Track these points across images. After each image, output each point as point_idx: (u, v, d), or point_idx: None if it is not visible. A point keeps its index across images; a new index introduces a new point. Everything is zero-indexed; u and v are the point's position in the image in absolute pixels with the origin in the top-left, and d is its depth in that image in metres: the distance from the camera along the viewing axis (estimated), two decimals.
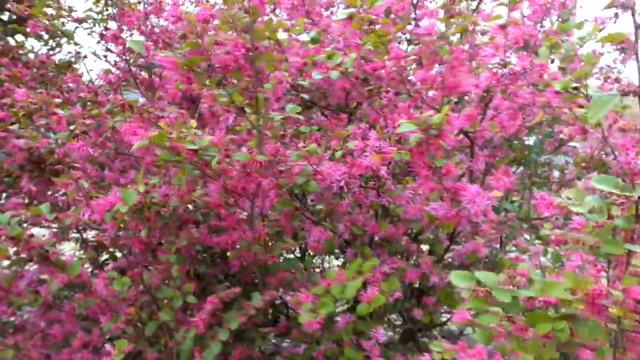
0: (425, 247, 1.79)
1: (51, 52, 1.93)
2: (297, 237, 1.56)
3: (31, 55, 1.81)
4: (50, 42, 1.88)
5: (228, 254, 1.52)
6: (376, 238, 1.67)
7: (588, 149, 2.05)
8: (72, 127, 1.21)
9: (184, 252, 1.27)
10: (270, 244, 1.40)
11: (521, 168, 2.24)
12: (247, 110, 1.16)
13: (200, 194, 1.13)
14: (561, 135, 2.07)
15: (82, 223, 1.23)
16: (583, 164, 2.11)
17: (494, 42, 1.30)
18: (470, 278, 0.83)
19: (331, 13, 1.80)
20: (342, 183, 1.40)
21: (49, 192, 2.18)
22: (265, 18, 1.10)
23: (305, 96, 1.56)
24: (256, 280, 2.00)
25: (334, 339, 1.56)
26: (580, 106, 1.45)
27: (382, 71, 1.26)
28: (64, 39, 1.93)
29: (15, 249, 1.21)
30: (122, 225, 1.21)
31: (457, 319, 0.98)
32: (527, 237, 1.99)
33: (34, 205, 2.20)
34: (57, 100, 1.18)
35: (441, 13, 1.40)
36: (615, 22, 2.21)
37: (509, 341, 0.86)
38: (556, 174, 2.32)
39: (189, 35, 1.00)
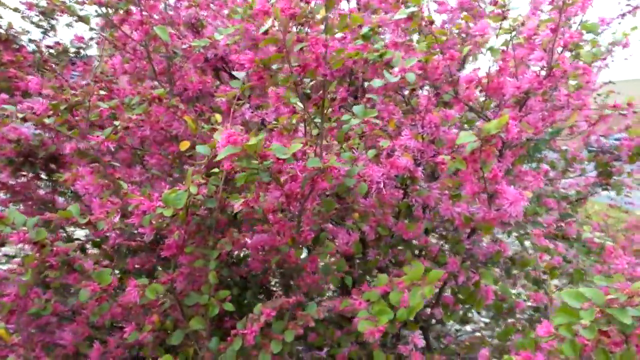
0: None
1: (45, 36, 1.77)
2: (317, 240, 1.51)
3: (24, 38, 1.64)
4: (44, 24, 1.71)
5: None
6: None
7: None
8: (117, 123, 1.09)
9: (223, 257, 1.19)
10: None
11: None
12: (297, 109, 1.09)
13: (263, 199, 1.05)
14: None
15: (116, 227, 1.13)
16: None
17: (541, 44, 1.28)
18: (583, 298, 0.81)
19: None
20: (381, 184, 1.35)
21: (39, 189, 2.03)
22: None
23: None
24: (270, 284, 1.94)
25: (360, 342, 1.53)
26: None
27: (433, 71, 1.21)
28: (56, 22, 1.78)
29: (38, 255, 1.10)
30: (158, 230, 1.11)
31: (541, 333, 0.96)
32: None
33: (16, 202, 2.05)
34: (102, 93, 1.07)
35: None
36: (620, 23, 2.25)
37: (596, 355, 0.85)
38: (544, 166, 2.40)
39: (271, 31, 0.91)
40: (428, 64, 1.18)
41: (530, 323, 1.94)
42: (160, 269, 1.70)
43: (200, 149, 1.15)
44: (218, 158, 0.88)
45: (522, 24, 1.29)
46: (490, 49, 1.24)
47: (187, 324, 1.30)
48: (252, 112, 1.70)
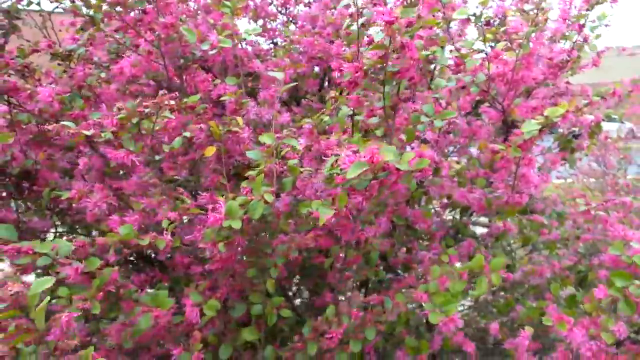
0: None
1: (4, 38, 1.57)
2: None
3: None
4: None
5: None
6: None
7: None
8: (186, 134, 1.01)
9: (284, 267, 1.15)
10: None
11: None
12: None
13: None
14: None
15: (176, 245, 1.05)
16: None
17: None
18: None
19: None
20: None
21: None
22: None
23: None
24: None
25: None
26: None
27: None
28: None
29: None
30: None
31: (600, 296, 1.06)
32: None
33: None
34: (172, 102, 0.97)
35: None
36: None
37: None
38: None
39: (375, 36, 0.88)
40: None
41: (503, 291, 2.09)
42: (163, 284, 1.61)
43: (252, 154, 1.11)
44: (348, 176, 0.85)
45: (546, 20, 1.37)
46: (522, 45, 1.31)
47: (230, 336, 1.26)
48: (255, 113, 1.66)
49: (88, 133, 0.96)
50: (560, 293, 1.67)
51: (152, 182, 1.06)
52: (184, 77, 1.37)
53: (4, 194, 1.70)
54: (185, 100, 1.13)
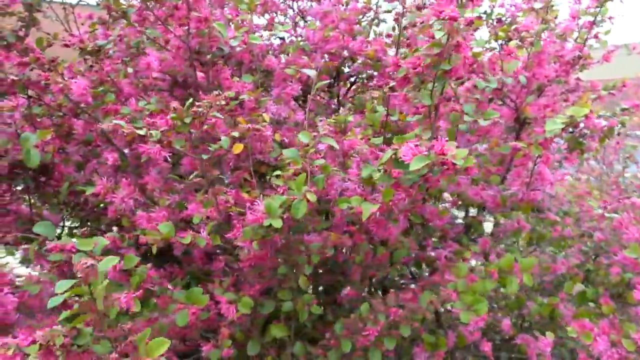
0: None
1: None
2: None
3: None
4: None
5: None
6: None
7: None
8: (235, 134, 1.00)
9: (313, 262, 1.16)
10: None
11: None
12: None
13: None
14: None
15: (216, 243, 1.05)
16: None
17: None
18: None
19: None
20: None
21: None
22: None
23: None
24: None
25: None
26: None
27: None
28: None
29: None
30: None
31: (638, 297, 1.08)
32: None
33: None
34: (222, 102, 0.97)
35: None
36: None
37: None
38: None
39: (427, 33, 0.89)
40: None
41: None
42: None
43: (288, 152, 1.11)
44: (411, 168, 0.86)
45: (556, 18, 1.39)
46: (533, 43, 1.33)
47: (257, 332, 1.27)
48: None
49: (142, 132, 0.95)
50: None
51: (197, 182, 1.05)
52: (210, 73, 1.36)
53: (20, 188, 1.68)
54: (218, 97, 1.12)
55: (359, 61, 2.16)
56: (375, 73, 2.12)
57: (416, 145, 0.89)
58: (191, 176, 1.11)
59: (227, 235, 1.04)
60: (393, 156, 0.93)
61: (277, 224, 0.98)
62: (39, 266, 2.22)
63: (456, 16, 0.89)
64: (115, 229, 1.83)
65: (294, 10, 2.49)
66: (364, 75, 2.38)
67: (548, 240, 1.99)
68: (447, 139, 1.21)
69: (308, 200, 0.97)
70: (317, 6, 2.35)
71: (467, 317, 1.10)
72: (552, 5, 1.35)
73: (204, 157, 1.04)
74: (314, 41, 2.01)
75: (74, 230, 2.04)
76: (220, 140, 1.05)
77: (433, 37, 1.17)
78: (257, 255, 1.08)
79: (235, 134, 1.05)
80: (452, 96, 1.15)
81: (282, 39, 2.42)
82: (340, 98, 2.38)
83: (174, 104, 0.93)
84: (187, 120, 0.94)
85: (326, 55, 2.08)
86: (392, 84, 1.11)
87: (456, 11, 0.89)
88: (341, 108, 2.39)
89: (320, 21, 2.20)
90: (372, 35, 2.34)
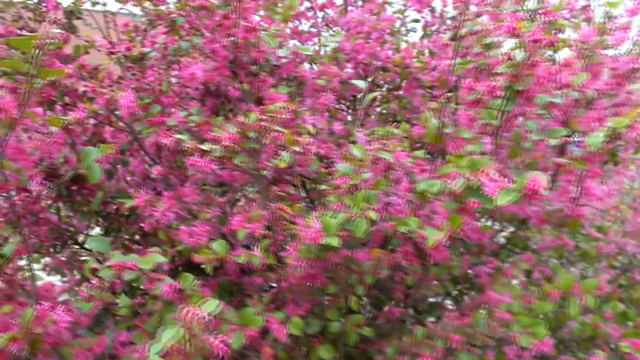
0: None
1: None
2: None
3: None
4: None
5: None
6: None
7: None
8: (296, 148, 0.97)
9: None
10: None
11: None
12: None
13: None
14: None
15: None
16: None
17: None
18: None
19: None
20: None
21: None
22: None
23: None
24: None
25: None
26: None
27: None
28: None
29: None
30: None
31: None
32: None
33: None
34: (286, 115, 0.94)
35: None
36: None
37: None
38: None
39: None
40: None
41: None
42: None
43: (341, 167, 1.07)
44: (499, 203, 0.82)
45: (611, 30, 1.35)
46: (592, 55, 1.29)
47: (299, 352, 1.23)
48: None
49: (206, 148, 0.92)
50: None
51: (253, 197, 1.01)
52: (253, 84, 1.33)
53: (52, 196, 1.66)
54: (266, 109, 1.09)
55: (390, 70, 2.13)
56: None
57: (496, 176, 0.85)
58: (249, 190, 1.07)
59: (282, 254, 1.00)
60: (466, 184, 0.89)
61: (335, 242, 0.94)
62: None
63: (540, 39, 0.85)
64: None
65: (320, 20, 2.47)
66: (390, 86, 2.34)
67: (580, 256, 1.93)
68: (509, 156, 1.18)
69: (371, 219, 0.93)
70: (348, 15, 2.33)
71: (527, 341, 1.06)
72: (610, 16, 1.32)
73: (265, 172, 1.01)
74: (346, 51, 1.98)
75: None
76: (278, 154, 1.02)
77: (485, 47, 1.13)
78: (309, 274, 1.05)
79: (297, 148, 1.01)
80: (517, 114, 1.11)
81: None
82: (366, 108, 2.35)
83: (241, 118, 0.89)
84: (252, 134, 0.90)
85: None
86: (448, 94, 1.07)
87: (539, 33, 0.85)
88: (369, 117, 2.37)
89: (351, 31, 2.17)
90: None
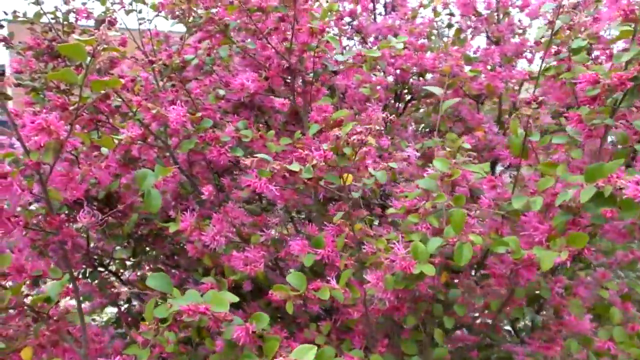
0: None
1: None
2: None
3: None
4: None
5: None
6: None
7: None
8: (392, 164, 0.84)
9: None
10: None
11: None
12: None
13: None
14: None
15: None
16: None
17: None
18: None
19: None
20: None
21: None
22: None
23: None
24: None
25: None
26: None
27: None
28: None
29: None
30: None
31: None
32: None
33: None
34: (378, 127, 0.81)
35: None
36: None
37: None
38: None
39: None
40: None
41: None
42: None
43: (423, 183, 0.95)
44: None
45: None
46: (616, 55, 1.17)
47: None
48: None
49: (295, 169, 0.79)
50: None
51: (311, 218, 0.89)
52: (307, 94, 1.20)
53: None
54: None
55: (429, 77, 2.02)
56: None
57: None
58: (335, 217, 0.95)
59: (364, 286, 0.87)
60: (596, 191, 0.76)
61: (429, 271, 0.82)
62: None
63: None
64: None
65: (351, 27, 2.37)
66: (423, 93, 2.22)
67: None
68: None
69: (473, 244, 0.80)
70: (382, 20, 2.22)
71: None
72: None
73: (355, 194, 0.88)
74: (386, 58, 1.86)
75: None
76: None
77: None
78: (393, 306, 0.92)
79: (393, 164, 0.89)
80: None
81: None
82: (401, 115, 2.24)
83: (334, 132, 0.77)
84: (347, 151, 0.78)
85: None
86: (540, 99, 0.95)
87: None
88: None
89: (386, 36, 2.05)
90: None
